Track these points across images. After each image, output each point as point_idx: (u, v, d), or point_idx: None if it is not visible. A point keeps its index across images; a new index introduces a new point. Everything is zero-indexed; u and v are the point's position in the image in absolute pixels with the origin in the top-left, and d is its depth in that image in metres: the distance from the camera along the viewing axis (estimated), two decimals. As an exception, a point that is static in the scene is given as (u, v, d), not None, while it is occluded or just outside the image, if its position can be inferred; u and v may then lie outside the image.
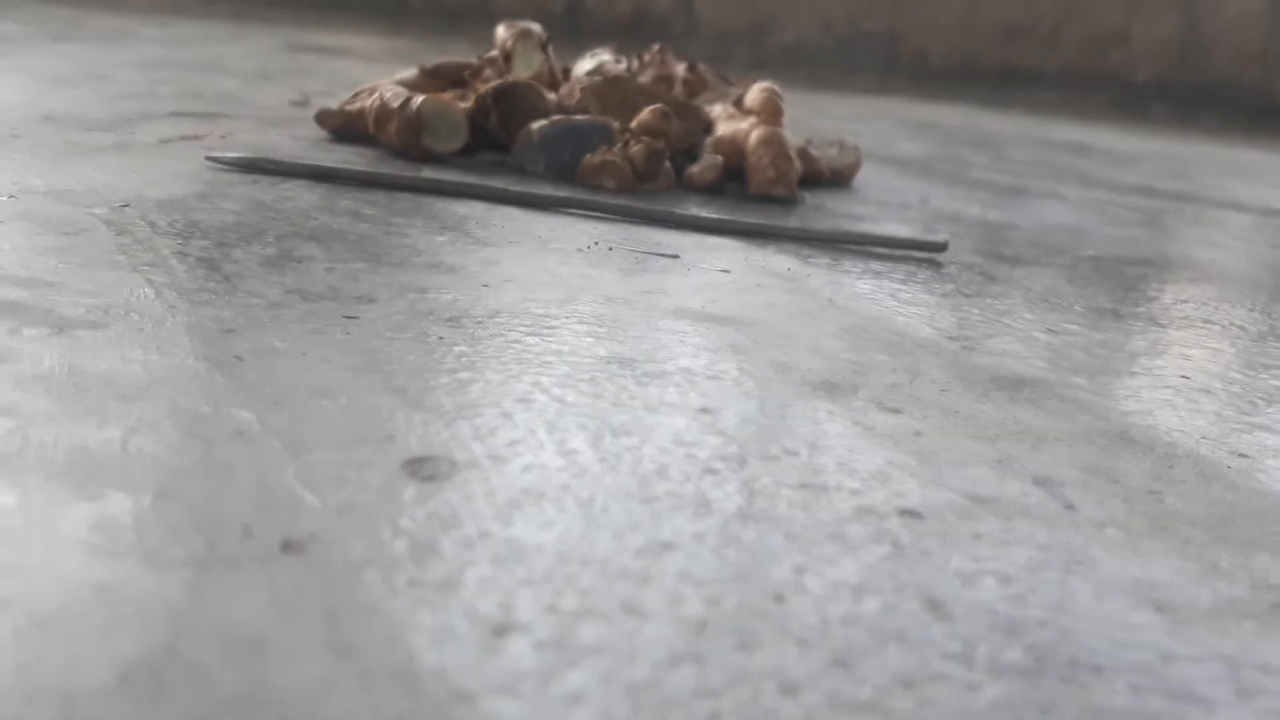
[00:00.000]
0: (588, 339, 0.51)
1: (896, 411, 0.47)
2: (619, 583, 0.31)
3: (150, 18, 2.21)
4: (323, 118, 0.99)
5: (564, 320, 0.54)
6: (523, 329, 0.51)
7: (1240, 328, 0.70)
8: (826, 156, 1.08)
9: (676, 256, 0.70)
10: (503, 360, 0.47)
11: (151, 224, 0.62)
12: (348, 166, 0.82)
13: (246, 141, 0.91)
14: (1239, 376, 0.59)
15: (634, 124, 0.93)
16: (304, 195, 0.74)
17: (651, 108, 0.93)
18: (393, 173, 0.83)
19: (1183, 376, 0.58)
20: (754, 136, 0.95)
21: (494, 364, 0.46)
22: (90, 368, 0.41)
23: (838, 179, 1.09)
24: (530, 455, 0.38)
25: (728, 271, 0.68)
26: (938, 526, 0.37)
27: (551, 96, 1.01)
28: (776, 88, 1.03)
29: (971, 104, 2.66)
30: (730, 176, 0.96)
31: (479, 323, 0.52)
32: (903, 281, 0.71)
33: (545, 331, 0.51)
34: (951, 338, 0.59)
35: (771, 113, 0.98)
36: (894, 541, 0.35)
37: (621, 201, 0.83)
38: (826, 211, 0.94)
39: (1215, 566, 0.36)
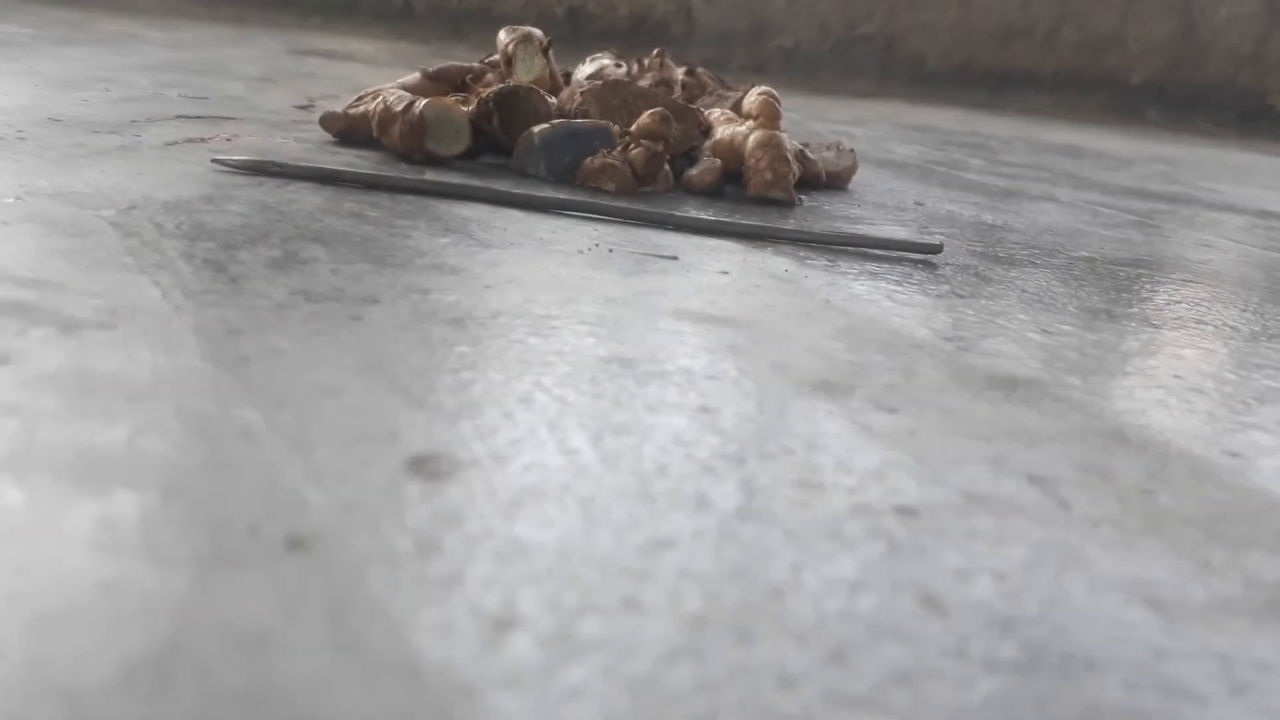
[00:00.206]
0: (588, 339, 0.52)
1: (893, 411, 0.47)
2: (619, 579, 0.31)
3: (155, 21, 2.21)
4: (327, 121, 0.99)
5: (565, 321, 0.54)
6: (524, 329, 0.52)
7: (1233, 328, 0.70)
8: (824, 159, 1.08)
9: (676, 258, 0.71)
10: (504, 360, 0.47)
11: (158, 226, 0.62)
12: (352, 169, 0.82)
13: (252, 144, 0.92)
14: (1232, 376, 0.59)
15: (634, 127, 0.94)
16: (309, 198, 0.75)
17: (651, 111, 0.94)
18: (396, 175, 0.84)
19: (1176, 376, 0.58)
20: (752, 140, 0.96)
21: (496, 364, 0.47)
22: (97, 368, 0.41)
23: (835, 181, 1.09)
24: (532, 454, 0.38)
25: (726, 273, 0.68)
26: (933, 524, 0.37)
27: (552, 100, 1.01)
28: (774, 91, 1.04)
29: (967, 107, 2.66)
30: (729, 179, 0.97)
31: (481, 323, 0.52)
32: (899, 283, 0.71)
33: (546, 332, 0.52)
34: (947, 338, 0.60)
35: (769, 116, 0.98)
36: (890, 539, 0.36)
37: (621, 204, 0.83)
38: (824, 214, 0.94)
39: (1208, 564, 0.37)
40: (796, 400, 0.47)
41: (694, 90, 1.18)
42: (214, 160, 0.81)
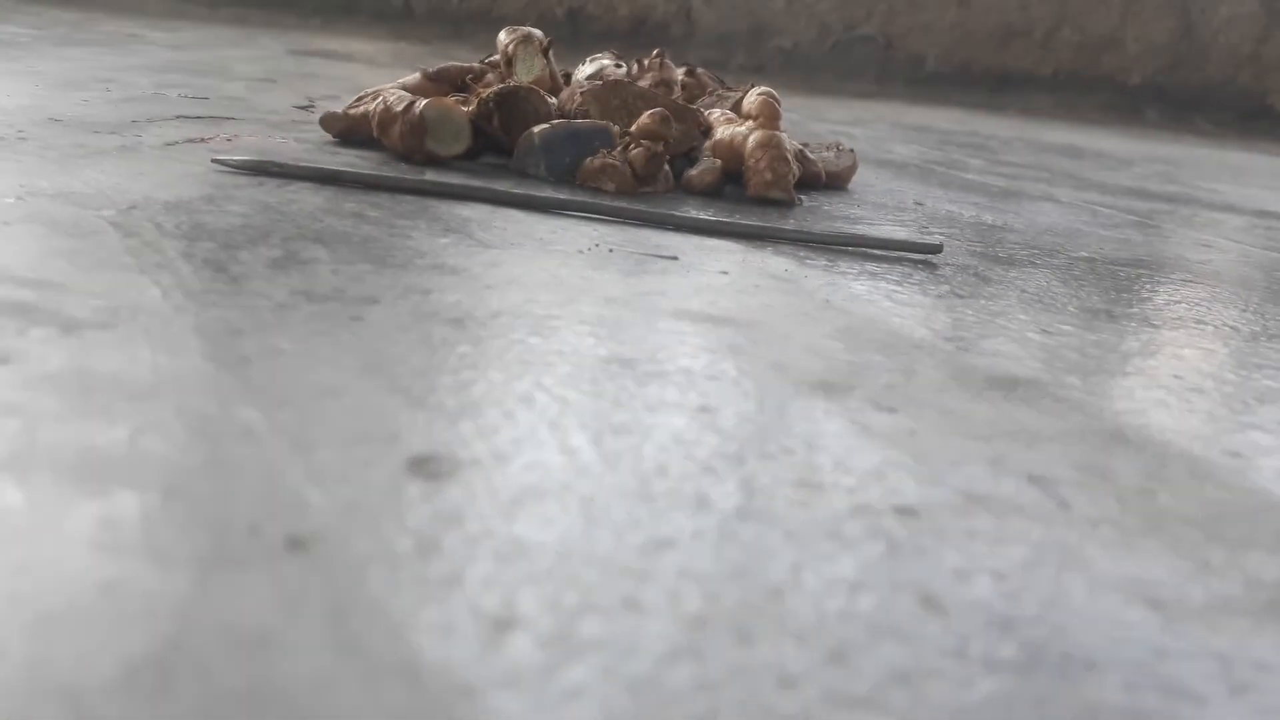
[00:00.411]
0: (589, 339, 0.52)
1: (892, 411, 0.47)
2: (619, 579, 0.31)
3: (157, 22, 2.21)
4: (327, 121, 1.00)
5: (565, 321, 0.54)
6: (525, 329, 0.52)
7: (1233, 328, 0.71)
8: (823, 159, 1.08)
9: (676, 258, 0.71)
10: (505, 360, 0.47)
11: (159, 226, 0.62)
12: (352, 169, 0.82)
13: (252, 145, 0.92)
14: (1232, 376, 0.59)
15: (634, 128, 0.94)
16: (309, 198, 0.75)
17: (651, 112, 0.94)
18: (396, 176, 0.84)
19: (1176, 376, 0.58)
20: (752, 140, 0.96)
21: (496, 364, 0.47)
22: (98, 368, 0.41)
23: (834, 182, 1.09)
24: (532, 454, 0.38)
25: (726, 273, 0.68)
26: (933, 524, 0.37)
27: (552, 101, 1.01)
28: (774, 92, 1.04)
29: (966, 107, 2.66)
30: (728, 179, 0.97)
31: (482, 323, 0.52)
32: (898, 283, 0.71)
33: (547, 332, 0.52)
34: (946, 338, 0.60)
35: (769, 116, 0.98)
36: (890, 539, 0.36)
37: (621, 204, 0.83)
38: (823, 214, 0.94)
39: (1208, 564, 0.37)
40: (796, 400, 0.47)
41: (694, 91, 1.18)
42: (214, 160, 0.81)
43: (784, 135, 0.97)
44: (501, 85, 0.99)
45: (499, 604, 0.29)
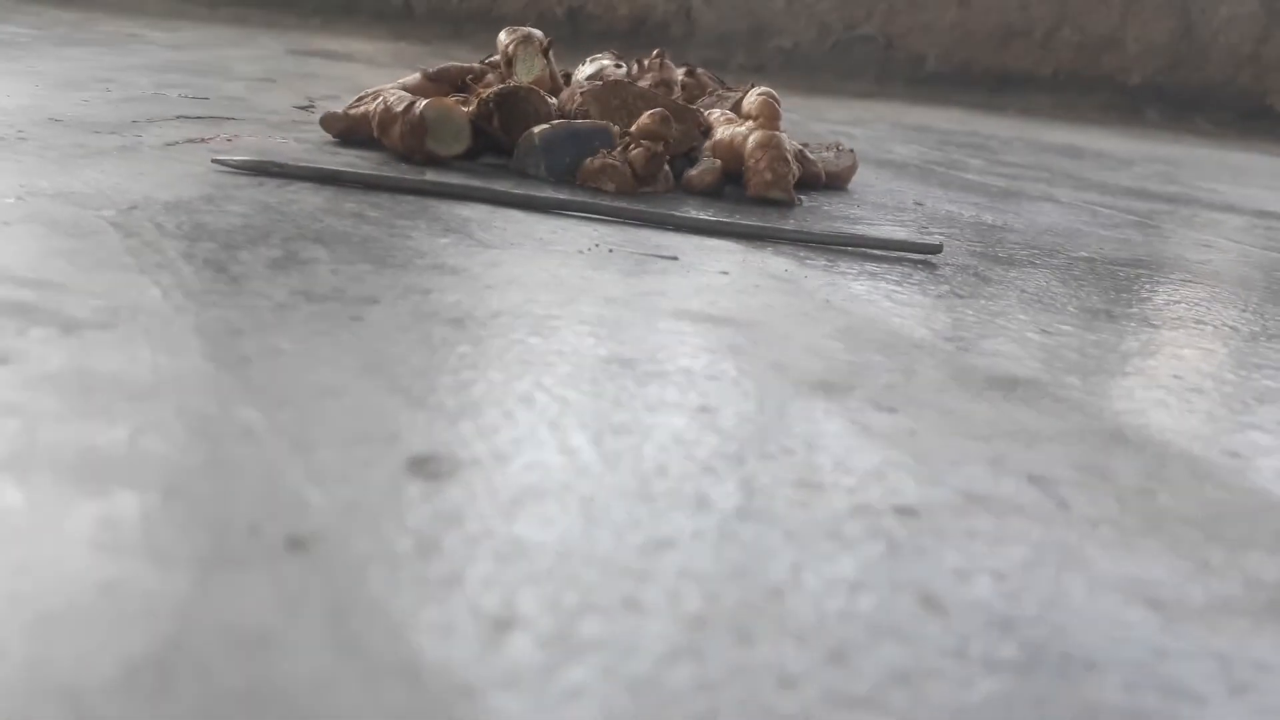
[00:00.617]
0: (589, 339, 0.52)
1: (892, 411, 0.47)
2: (619, 579, 0.31)
3: (156, 21, 2.22)
4: (327, 121, 1.00)
5: (565, 321, 0.54)
6: (525, 329, 0.52)
7: (1232, 328, 0.71)
8: (823, 159, 1.08)
9: (676, 258, 0.71)
10: (505, 360, 0.47)
11: (159, 226, 0.62)
12: (352, 170, 0.82)
13: (252, 145, 0.92)
14: (1231, 376, 0.59)
15: (634, 128, 0.94)
16: (309, 198, 0.75)
17: (651, 112, 0.94)
18: (396, 176, 0.84)
19: (1175, 376, 0.58)
20: (752, 140, 0.96)
21: (496, 364, 0.47)
22: (98, 368, 0.41)
23: (834, 182, 1.09)
24: (532, 454, 0.38)
25: (726, 273, 0.68)
26: (933, 524, 0.37)
27: (552, 101, 1.02)
28: (774, 92, 1.04)
29: (966, 108, 2.66)
30: (728, 179, 0.97)
31: (481, 323, 0.52)
32: (898, 283, 0.71)
33: (547, 332, 0.52)
34: (946, 338, 0.60)
35: (769, 117, 0.98)
36: (890, 539, 0.36)
37: (621, 204, 0.83)
38: (823, 214, 0.94)
39: (1208, 564, 0.37)
40: (796, 400, 0.47)
41: (694, 91, 1.18)
42: (214, 160, 0.81)
43: (784, 135, 0.97)
44: (501, 85, 0.99)
45: (499, 604, 0.29)
